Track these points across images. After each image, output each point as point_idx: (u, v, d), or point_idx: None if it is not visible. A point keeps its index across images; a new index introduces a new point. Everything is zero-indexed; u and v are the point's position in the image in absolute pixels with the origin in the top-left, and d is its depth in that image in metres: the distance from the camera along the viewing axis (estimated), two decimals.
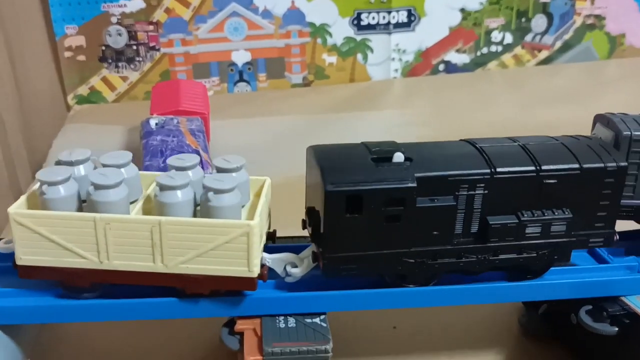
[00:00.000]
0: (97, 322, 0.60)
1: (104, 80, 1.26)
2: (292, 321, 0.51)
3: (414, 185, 0.49)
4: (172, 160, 0.51)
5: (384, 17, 1.29)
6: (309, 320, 0.51)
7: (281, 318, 0.51)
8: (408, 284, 0.53)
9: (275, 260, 0.52)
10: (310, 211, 0.52)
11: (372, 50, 1.32)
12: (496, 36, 1.34)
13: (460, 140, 0.55)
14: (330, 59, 1.31)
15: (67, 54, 1.22)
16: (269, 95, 1.31)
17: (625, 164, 0.52)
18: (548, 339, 0.62)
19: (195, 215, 0.49)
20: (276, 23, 1.27)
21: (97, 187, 0.47)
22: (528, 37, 1.36)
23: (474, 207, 0.51)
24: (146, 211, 0.51)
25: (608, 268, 0.57)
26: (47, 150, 1.24)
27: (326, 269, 0.50)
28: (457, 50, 1.35)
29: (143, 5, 1.21)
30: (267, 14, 1.26)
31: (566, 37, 1.37)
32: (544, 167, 0.51)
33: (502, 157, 0.51)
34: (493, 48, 1.36)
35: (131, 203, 0.50)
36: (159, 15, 1.23)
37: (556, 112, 1.21)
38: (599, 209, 0.53)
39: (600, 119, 0.58)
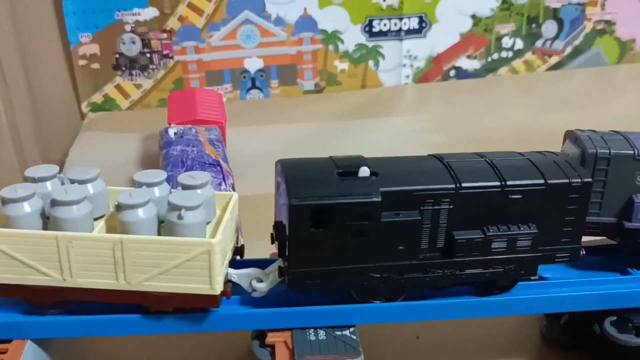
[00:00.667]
0: (122, 336, 0.61)
1: (118, 88, 1.27)
2: (322, 334, 0.52)
3: (379, 199, 0.49)
4: (138, 177, 0.51)
5: (395, 24, 1.30)
6: (339, 333, 0.52)
7: (311, 330, 0.52)
8: (375, 299, 0.53)
9: (241, 276, 0.52)
10: (277, 225, 0.52)
11: (383, 57, 1.32)
12: (507, 42, 1.35)
13: (429, 155, 0.55)
14: (342, 65, 1.32)
15: (82, 62, 1.23)
16: (282, 102, 1.32)
17: (590, 180, 0.53)
18: (570, 348, 0.63)
19: (160, 231, 0.49)
20: (288, 30, 1.28)
21: (58, 203, 0.47)
22: (538, 43, 1.36)
23: (440, 222, 0.51)
24: (111, 228, 0.51)
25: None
26: (61, 158, 1.25)
27: (291, 284, 0.51)
28: (468, 56, 1.35)
29: (157, 13, 1.22)
30: (279, 21, 1.27)
31: (576, 42, 1.37)
32: (509, 183, 0.51)
33: (467, 173, 0.52)
34: (504, 54, 1.36)
35: (98, 219, 0.50)
36: (173, 23, 1.23)
37: (567, 117, 1.21)
38: (564, 225, 0.53)
39: (570, 136, 0.59)
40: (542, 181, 0.52)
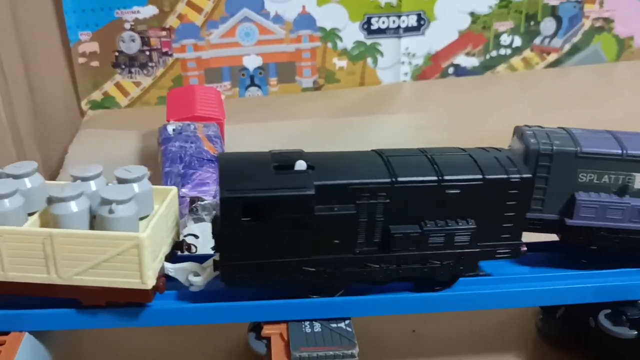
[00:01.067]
0: (117, 329, 0.62)
1: (117, 85, 1.27)
2: (317, 326, 0.52)
3: (312, 193, 0.48)
4: (74, 171, 0.51)
5: (394, 22, 1.30)
6: (334, 325, 0.52)
7: (307, 323, 0.52)
8: (313, 294, 0.53)
9: (178, 270, 0.52)
10: (213, 219, 0.52)
11: (382, 54, 1.33)
12: (505, 39, 1.35)
13: (371, 150, 0.55)
14: (341, 63, 1.32)
15: (81, 60, 1.24)
16: (280, 99, 1.32)
17: (530, 176, 0.52)
18: (566, 342, 0.63)
19: (92, 225, 0.49)
20: (287, 28, 1.28)
21: None
22: (537, 40, 1.37)
23: (377, 216, 0.51)
24: (45, 222, 0.50)
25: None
26: (61, 155, 1.25)
27: (224, 278, 0.51)
28: (467, 54, 1.36)
29: (156, 11, 1.22)
30: (278, 19, 1.27)
31: (575, 39, 1.37)
32: (446, 177, 0.51)
33: (404, 167, 0.51)
34: (502, 51, 1.36)
35: (32, 214, 0.50)
36: (172, 21, 1.24)
37: (566, 114, 1.22)
38: (504, 221, 0.53)
39: (517, 131, 0.59)
40: (480, 176, 0.51)
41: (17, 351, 0.49)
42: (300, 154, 0.52)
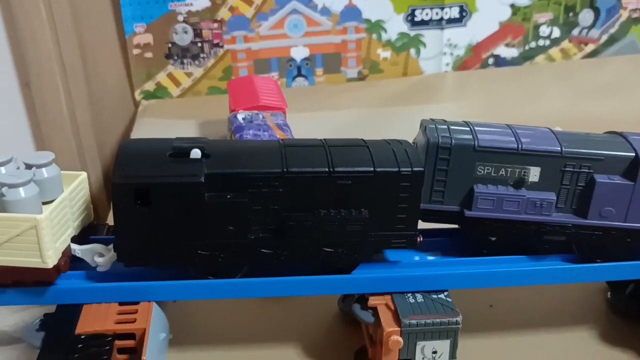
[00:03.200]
0: (216, 301, 0.67)
1: (170, 76, 1.31)
2: (419, 297, 0.56)
3: (201, 181, 0.51)
4: None
5: (437, 13, 1.33)
6: (435, 296, 0.56)
7: (409, 294, 0.57)
8: (213, 276, 0.55)
9: (84, 251, 0.56)
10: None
11: (424, 45, 1.36)
12: (544, 30, 1.39)
13: (278, 140, 0.57)
14: (385, 53, 1.36)
15: (136, 51, 1.28)
16: (326, 89, 1.36)
17: (421, 169, 0.54)
18: (637, 316, 0.67)
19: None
20: (334, 20, 1.32)
21: None
22: (575, 31, 1.40)
23: (271, 205, 0.53)
24: None
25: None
26: (115, 144, 1.30)
27: (120, 259, 0.54)
28: (506, 45, 1.39)
29: (208, 4, 1.26)
30: (325, 11, 1.31)
31: (612, 30, 1.41)
32: (337, 169, 0.53)
33: (298, 158, 0.54)
34: (541, 42, 1.40)
35: None
36: (224, 13, 1.28)
37: (602, 104, 1.25)
38: (398, 212, 0.55)
39: (422, 125, 0.60)
40: (371, 169, 0.53)
41: (152, 317, 0.53)
42: (201, 142, 0.53)
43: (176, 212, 0.51)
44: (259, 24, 1.30)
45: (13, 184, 0.50)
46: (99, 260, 0.56)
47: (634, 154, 0.57)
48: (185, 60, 1.30)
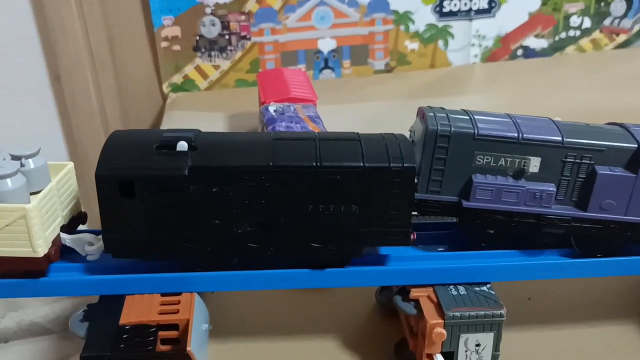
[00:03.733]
0: (257, 292, 0.67)
1: (197, 69, 1.31)
2: (462, 289, 0.56)
3: (185, 174, 0.50)
4: None
5: (465, 4, 1.32)
6: (477, 289, 0.56)
7: (451, 287, 0.56)
8: (202, 268, 0.54)
9: (74, 240, 0.56)
10: None
11: (452, 37, 1.35)
12: (575, 21, 1.37)
13: (272, 132, 0.56)
14: (412, 45, 1.35)
15: (164, 44, 1.28)
16: (353, 81, 1.35)
17: (413, 165, 0.52)
18: None
19: None
20: (361, 11, 1.31)
21: None
22: (606, 21, 1.38)
23: (257, 198, 0.52)
24: None
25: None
26: None
27: (108, 250, 0.53)
28: (536, 35, 1.37)
29: None
30: (352, 2, 1.30)
31: None
32: (324, 164, 0.51)
33: (285, 152, 0.52)
34: (571, 33, 1.38)
35: None
36: (251, 5, 1.27)
37: (635, 96, 1.23)
38: (390, 208, 0.53)
39: (419, 112, 0.58)
40: (360, 164, 0.52)
41: (194, 307, 0.53)
42: (188, 134, 0.52)
43: (161, 204, 0.51)
44: (286, 16, 1.29)
45: (0, 175, 0.50)
46: (88, 249, 0.56)
47: (636, 146, 0.56)
48: (212, 53, 1.30)
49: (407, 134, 0.59)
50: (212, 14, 1.27)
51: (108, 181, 0.50)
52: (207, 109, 1.24)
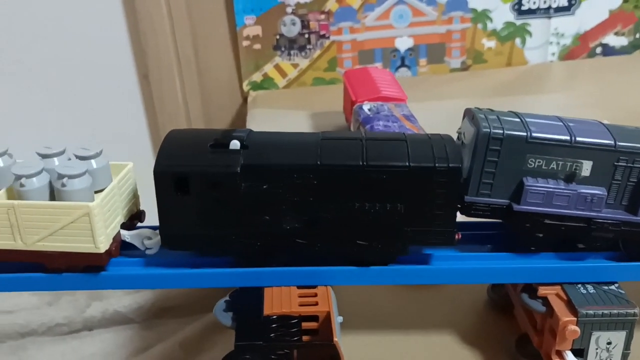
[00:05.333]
0: (365, 288, 0.69)
1: (277, 67, 1.34)
2: (590, 288, 0.56)
3: (237, 171, 0.51)
4: (40, 150, 0.57)
5: (544, 2, 1.31)
6: (606, 288, 0.56)
7: (579, 285, 0.57)
8: (253, 264, 0.55)
9: (133, 236, 0.57)
10: None
11: (530, 35, 1.34)
12: None
13: (321, 132, 0.57)
14: (489, 43, 1.35)
15: (245, 43, 1.31)
16: (430, 80, 1.36)
17: (458, 165, 0.52)
18: None
19: (53, 198, 0.54)
20: (439, 10, 1.31)
21: None
22: None
23: (305, 196, 0.53)
24: (11, 196, 0.55)
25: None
26: None
27: (164, 244, 0.55)
28: (616, 33, 1.36)
29: None
30: (431, 1, 1.31)
31: None
32: (370, 163, 0.52)
33: (333, 151, 0.53)
34: None
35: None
36: (331, 4, 1.29)
37: None
38: (435, 208, 0.53)
39: (467, 114, 0.58)
40: (405, 164, 0.52)
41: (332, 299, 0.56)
42: (243, 134, 0.54)
43: (214, 200, 0.53)
44: (365, 15, 1.31)
45: (71, 175, 0.52)
46: (147, 243, 0.58)
47: None
48: (292, 52, 1.33)
49: (455, 136, 0.59)
50: (292, 13, 1.29)
51: (165, 177, 0.52)
52: (287, 106, 1.26)
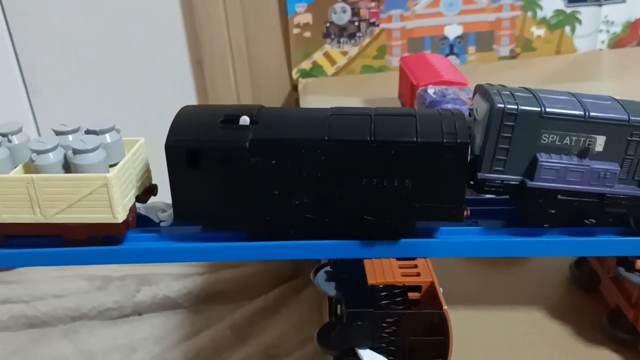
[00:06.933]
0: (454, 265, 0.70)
1: (326, 55, 1.35)
2: None
3: (245, 146, 0.52)
4: (56, 127, 0.58)
5: None
6: None
7: None
8: (260, 238, 0.56)
9: (148, 209, 0.59)
10: None
11: (580, 23, 1.34)
12: None
13: (331, 107, 0.56)
14: (539, 31, 1.35)
15: (295, 30, 1.32)
16: (478, 68, 1.36)
17: (466, 141, 0.51)
18: None
19: (69, 172, 0.55)
20: None
21: None
22: None
23: (313, 171, 0.53)
24: (29, 172, 0.56)
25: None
26: None
27: (177, 218, 0.56)
28: None
29: None
30: None
31: None
32: (378, 139, 0.52)
33: (341, 127, 0.53)
34: None
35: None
36: None
37: None
38: (443, 184, 0.53)
39: (479, 90, 0.57)
40: (413, 139, 0.52)
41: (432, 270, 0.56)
42: (252, 109, 0.54)
43: (224, 175, 0.53)
44: (415, 3, 1.31)
45: (86, 149, 0.53)
46: (161, 215, 0.59)
47: None
48: (341, 39, 1.34)
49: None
50: (343, 1, 1.30)
51: (175, 151, 0.53)
52: (339, 94, 1.27)
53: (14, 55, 1.28)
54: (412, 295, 0.55)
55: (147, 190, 0.61)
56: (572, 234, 0.57)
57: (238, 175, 0.53)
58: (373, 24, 1.33)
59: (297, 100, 1.37)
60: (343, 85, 1.33)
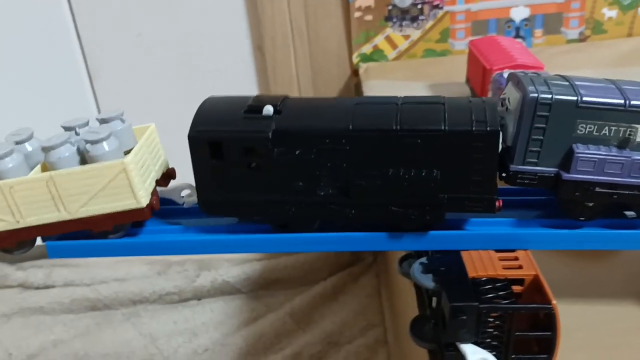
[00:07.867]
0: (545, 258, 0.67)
1: (387, 39, 1.32)
2: None
3: (268, 136, 0.51)
4: (64, 122, 0.57)
5: None
6: None
7: None
8: (287, 230, 0.55)
9: (170, 191, 0.58)
10: None
11: None
12: None
13: (355, 97, 0.54)
14: (610, 13, 1.30)
15: (357, 14, 1.30)
16: (545, 51, 1.32)
17: (496, 129, 0.49)
18: None
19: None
20: None
21: None
22: None
23: (338, 162, 0.52)
24: (45, 171, 0.55)
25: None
26: None
27: (202, 207, 0.55)
28: None
29: None
30: None
31: None
32: (404, 127, 0.50)
33: (366, 116, 0.51)
34: None
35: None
36: None
37: None
38: (473, 173, 0.51)
39: (513, 78, 0.54)
40: (440, 127, 0.50)
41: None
42: (277, 99, 0.53)
43: (247, 166, 0.53)
44: None
45: (99, 139, 0.53)
46: (184, 196, 0.59)
47: None
48: (404, 23, 1.31)
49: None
50: None
51: (199, 142, 0.52)
52: (403, 78, 1.24)
53: (77, 39, 1.29)
54: (514, 288, 0.53)
55: (166, 175, 0.61)
56: (611, 226, 0.55)
57: (262, 166, 0.52)
58: (437, 7, 1.29)
59: (356, 85, 1.35)
60: (405, 69, 1.30)
